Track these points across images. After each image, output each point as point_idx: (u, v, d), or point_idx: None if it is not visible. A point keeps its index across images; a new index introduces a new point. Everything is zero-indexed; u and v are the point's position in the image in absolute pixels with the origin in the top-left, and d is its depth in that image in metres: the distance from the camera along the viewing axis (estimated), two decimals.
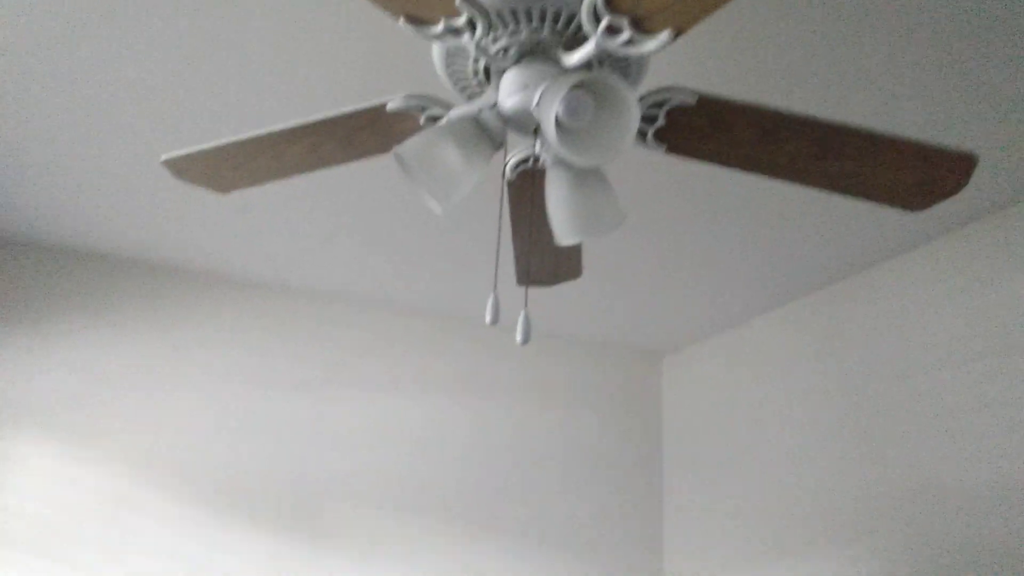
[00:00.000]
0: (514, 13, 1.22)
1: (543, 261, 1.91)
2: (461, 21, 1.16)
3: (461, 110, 1.31)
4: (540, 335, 3.73)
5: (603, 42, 1.14)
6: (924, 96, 1.91)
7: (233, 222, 2.83)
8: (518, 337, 1.37)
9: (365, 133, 1.41)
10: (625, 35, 1.13)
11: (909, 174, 1.42)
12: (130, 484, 2.94)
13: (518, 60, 1.27)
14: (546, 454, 3.55)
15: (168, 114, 2.19)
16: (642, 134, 1.39)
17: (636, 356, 3.88)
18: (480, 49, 1.22)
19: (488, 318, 1.36)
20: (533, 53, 1.26)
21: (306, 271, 3.20)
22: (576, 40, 1.25)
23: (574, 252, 1.89)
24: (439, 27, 1.18)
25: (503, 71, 1.28)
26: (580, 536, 3.47)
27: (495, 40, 1.25)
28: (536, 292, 3.25)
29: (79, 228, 2.95)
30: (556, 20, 1.23)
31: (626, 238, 2.74)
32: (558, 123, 1.20)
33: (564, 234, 1.40)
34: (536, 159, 1.47)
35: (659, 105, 1.34)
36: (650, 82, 1.86)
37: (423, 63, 1.85)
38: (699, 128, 1.38)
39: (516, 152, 1.50)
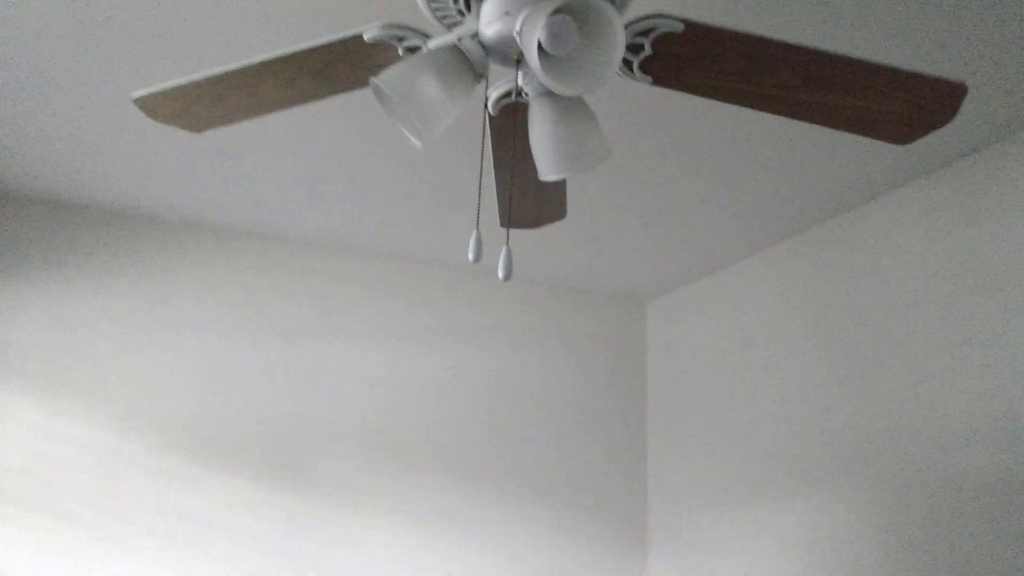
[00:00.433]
0: None
1: (526, 202, 1.88)
2: None
3: (441, 39, 1.27)
4: (523, 281, 3.72)
5: None
6: (911, 29, 1.87)
7: (212, 168, 2.77)
8: (500, 273, 1.35)
9: (342, 65, 1.36)
10: None
11: (898, 104, 1.40)
12: (114, 436, 2.94)
13: None
14: (530, 401, 3.58)
15: (139, 51, 2.11)
16: (628, 65, 1.35)
17: (620, 302, 3.88)
18: None
19: (471, 255, 1.34)
20: None
21: (287, 218, 3.15)
22: None
23: (558, 192, 1.86)
24: None
25: None
26: (564, 481, 3.52)
27: None
28: (519, 238, 3.22)
29: (55, 178, 2.88)
30: None
31: (608, 182, 2.71)
32: (541, 51, 1.16)
33: (548, 169, 1.37)
34: (519, 92, 1.43)
35: (645, 34, 1.30)
36: (636, 11, 1.81)
37: None
38: (686, 58, 1.34)
39: (498, 85, 1.46)
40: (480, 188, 1.50)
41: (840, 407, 2.72)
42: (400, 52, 1.34)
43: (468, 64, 1.26)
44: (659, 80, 1.38)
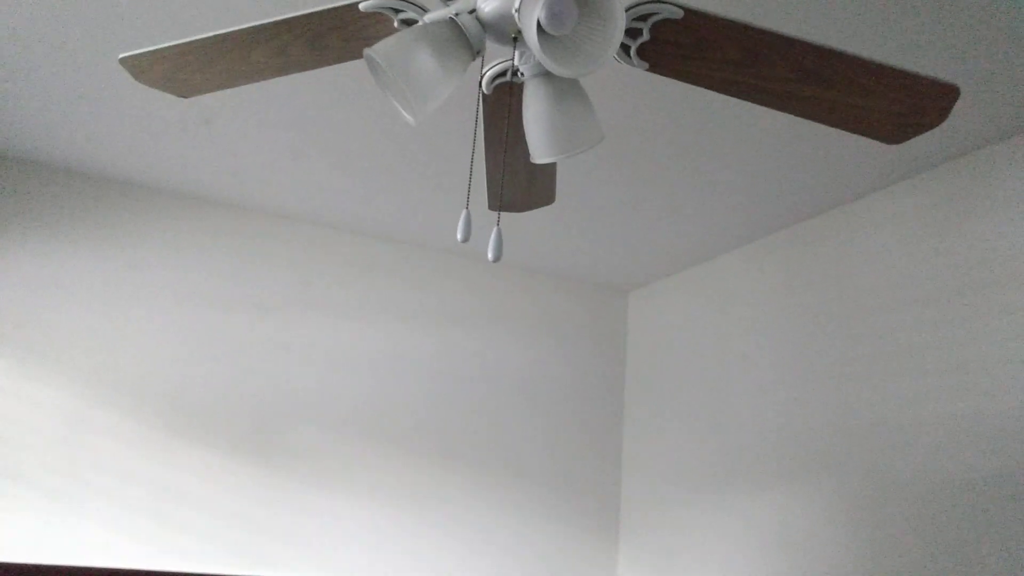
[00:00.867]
0: None
1: (516, 185, 1.87)
2: None
3: (438, 13, 1.25)
4: (507, 265, 3.71)
5: None
6: (904, 29, 1.88)
7: (198, 136, 2.72)
8: (490, 254, 1.34)
9: (335, 35, 1.34)
10: None
11: (890, 103, 1.40)
12: (87, 403, 2.90)
13: None
14: (510, 384, 3.58)
15: (126, 10, 2.07)
16: (625, 49, 1.34)
17: (602, 290, 3.89)
18: None
19: (460, 235, 1.33)
20: None
21: (272, 190, 3.11)
22: None
23: (548, 176, 1.85)
24: None
25: None
26: (540, 463, 3.53)
27: None
28: (505, 224, 3.21)
29: (32, 138, 2.81)
30: None
31: (596, 171, 2.70)
32: (540, 30, 1.15)
33: (540, 151, 1.36)
34: (515, 71, 1.42)
35: (644, 19, 1.29)
36: None
37: None
38: (683, 46, 1.33)
39: (494, 64, 1.45)
40: (472, 167, 1.49)
41: (817, 402, 2.75)
42: (396, 24, 1.32)
43: (465, 40, 1.25)
44: (655, 67, 1.37)
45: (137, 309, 3.05)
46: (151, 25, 2.11)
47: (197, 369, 3.08)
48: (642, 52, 1.35)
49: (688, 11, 1.28)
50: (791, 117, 2.30)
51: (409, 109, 1.26)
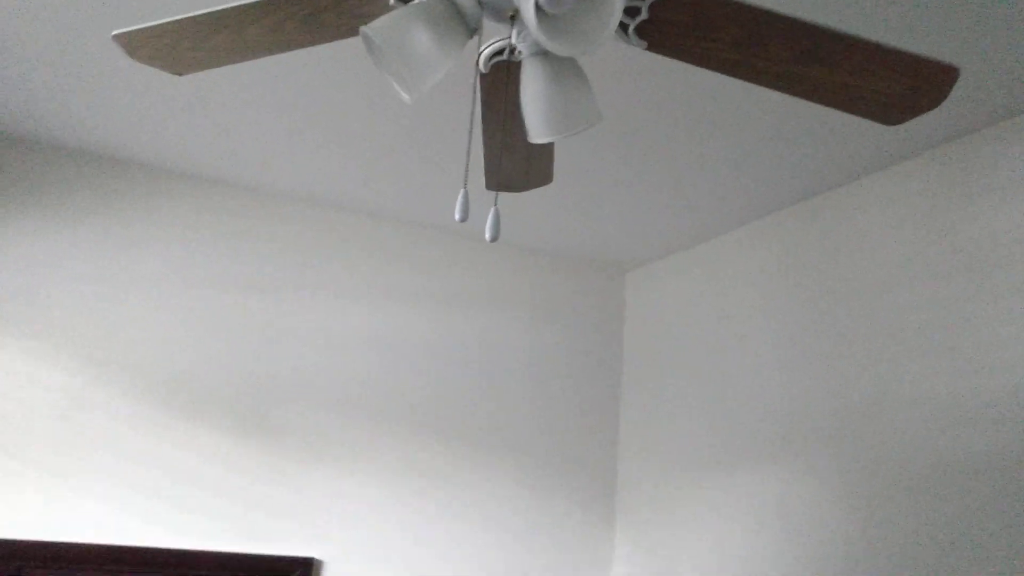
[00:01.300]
0: None
1: (514, 164, 1.86)
2: None
3: None
4: (505, 245, 3.71)
5: None
6: (904, 9, 1.86)
7: (190, 114, 2.71)
8: (487, 234, 1.34)
9: (331, 13, 1.33)
10: None
11: (889, 84, 1.39)
12: (87, 381, 2.90)
13: None
14: (506, 363, 3.59)
15: None
16: (623, 28, 1.33)
17: (600, 270, 3.89)
18: None
19: (457, 214, 1.33)
20: None
21: (270, 170, 3.10)
22: None
23: (546, 156, 1.84)
24: None
25: None
26: (539, 442, 3.55)
27: None
28: (502, 203, 3.20)
29: (28, 114, 2.80)
30: None
31: (594, 150, 2.69)
32: (538, 8, 1.14)
33: (538, 131, 1.35)
34: (512, 50, 1.41)
35: None
36: None
37: None
38: (682, 24, 1.32)
39: (491, 42, 1.44)
40: (469, 147, 1.48)
41: (815, 382, 2.76)
42: (391, 2, 1.30)
43: (461, 18, 1.23)
44: (653, 45, 1.37)
45: (136, 288, 3.05)
46: (147, 2, 2.08)
47: (196, 348, 3.08)
48: (640, 31, 1.34)
49: None
50: (788, 97, 2.30)
51: (405, 87, 1.25)
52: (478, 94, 2.15)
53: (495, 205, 1.35)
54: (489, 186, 1.93)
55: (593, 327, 3.81)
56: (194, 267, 3.15)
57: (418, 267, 3.52)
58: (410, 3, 1.25)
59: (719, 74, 1.94)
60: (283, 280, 3.28)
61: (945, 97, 1.40)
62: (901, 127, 2.40)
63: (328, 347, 3.29)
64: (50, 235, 2.97)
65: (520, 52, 1.37)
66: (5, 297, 2.87)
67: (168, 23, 1.39)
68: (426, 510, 3.28)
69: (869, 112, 1.48)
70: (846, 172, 2.70)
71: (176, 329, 3.07)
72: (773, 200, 2.98)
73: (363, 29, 1.15)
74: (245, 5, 1.34)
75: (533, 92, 1.32)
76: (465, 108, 2.47)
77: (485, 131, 1.70)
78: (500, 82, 1.52)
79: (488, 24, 1.32)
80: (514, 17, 1.24)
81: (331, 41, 1.39)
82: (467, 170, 1.36)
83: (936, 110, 2.28)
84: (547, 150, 1.80)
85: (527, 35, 1.32)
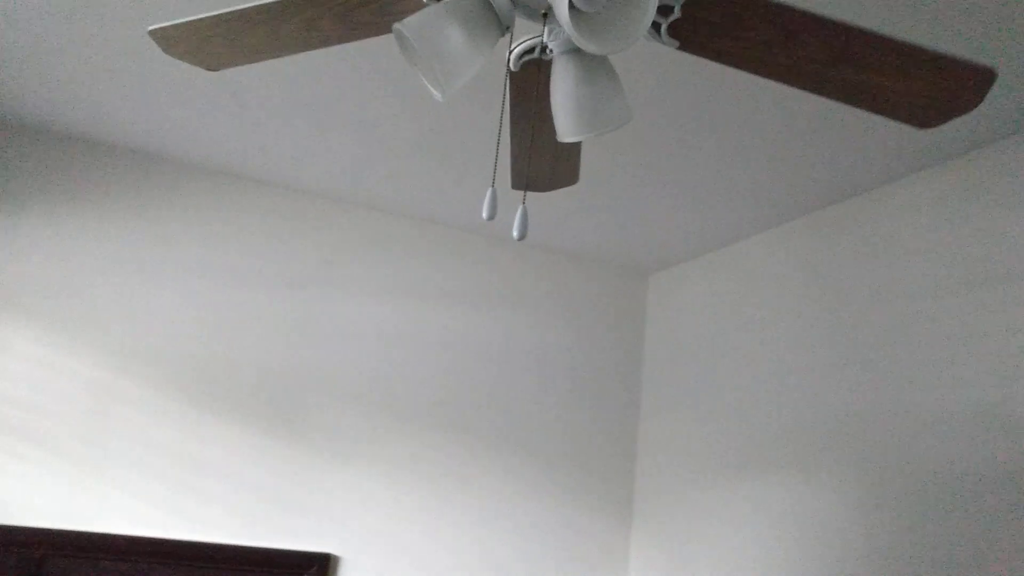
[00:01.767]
0: None
1: (540, 164, 1.87)
2: None
3: None
4: (529, 246, 3.71)
5: None
6: (939, 10, 1.84)
7: (221, 111, 2.74)
8: (515, 232, 1.34)
9: (365, 9, 1.34)
10: None
11: (923, 86, 1.38)
12: (114, 373, 2.94)
13: None
14: (528, 363, 3.59)
15: None
16: (655, 27, 1.33)
17: (622, 272, 3.88)
18: None
19: (485, 212, 1.33)
20: None
21: (300, 167, 3.13)
22: None
23: (572, 156, 1.84)
24: None
25: None
26: (557, 444, 3.55)
27: None
28: (527, 203, 3.20)
29: (63, 109, 2.84)
30: None
31: (620, 152, 2.69)
32: (571, 6, 1.14)
33: (568, 130, 1.35)
34: (544, 48, 1.41)
35: None
36: None
37: None
38: (715, 24, 1.32)
39: (522, 40, 1.44)
40: (498, 145, 1.49)
41: (837, 390, 2.74)
42: None
43: (494, 15, 1.24)
44: (686, 45, 1.36)
45: (166, 283, 3.08)
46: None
47: (224, 343, 3.11)
48: (673, 30, 1.33)
49: None
50: (818, 100, 2.28)
51: (437, 85, 1.25)
52: (508, 92, 2.15)
53: (523, 203, 1.35)
54: (515, 185, 1.93)
55: (614, 329, 3.80)
56: (223, 262, 3.18)
57: (441, 266, 3.53)
58: (444, 1, 1.26)
59: (748, 76, 1.93)
60: (310, 277, 3.30)
61: (981, 100, 1.39)
62: (929, 132, 2.37)
63: (352, 344, 3.31)
64: (81, 228, 3.01)
65: (551, 50, 1.37)
66: (38, 290, 2.91)
67: (204, 19, 1.41)
68: (443, 509, 3.29)
69: (902, 115, 1.46)
70: (872, 177, 2.68)
71: (204, 324, 3.10)
72: (797, 205, 2.96)
73: (396, 26, 1.16)
74: (280, 1, 1.35)
75: (564, 90, 1.33)
76: (490, 108, 2.48)
77: (513, 131, 1.70)
78: (530, 81, 1.53)
79: (520, 21, 1.32)
80: (547, 15, 1.25)
81: (365, 38, 1.40)
82: (495, 168, 1.36)
83: (967, 115, 2.25)
84: (574, 150, 1.80)
85: (559, 33, 1.33)
